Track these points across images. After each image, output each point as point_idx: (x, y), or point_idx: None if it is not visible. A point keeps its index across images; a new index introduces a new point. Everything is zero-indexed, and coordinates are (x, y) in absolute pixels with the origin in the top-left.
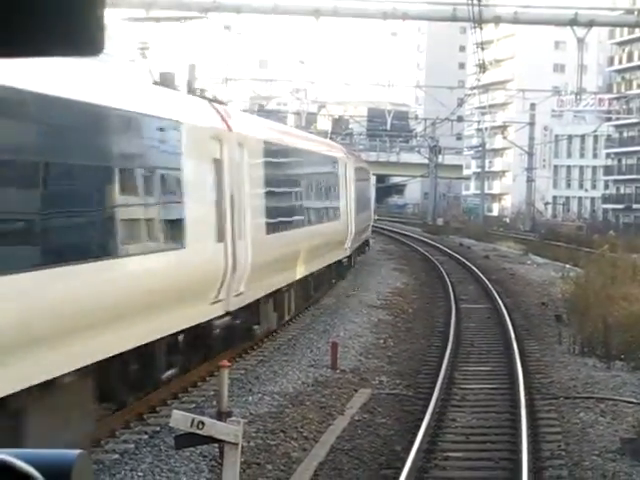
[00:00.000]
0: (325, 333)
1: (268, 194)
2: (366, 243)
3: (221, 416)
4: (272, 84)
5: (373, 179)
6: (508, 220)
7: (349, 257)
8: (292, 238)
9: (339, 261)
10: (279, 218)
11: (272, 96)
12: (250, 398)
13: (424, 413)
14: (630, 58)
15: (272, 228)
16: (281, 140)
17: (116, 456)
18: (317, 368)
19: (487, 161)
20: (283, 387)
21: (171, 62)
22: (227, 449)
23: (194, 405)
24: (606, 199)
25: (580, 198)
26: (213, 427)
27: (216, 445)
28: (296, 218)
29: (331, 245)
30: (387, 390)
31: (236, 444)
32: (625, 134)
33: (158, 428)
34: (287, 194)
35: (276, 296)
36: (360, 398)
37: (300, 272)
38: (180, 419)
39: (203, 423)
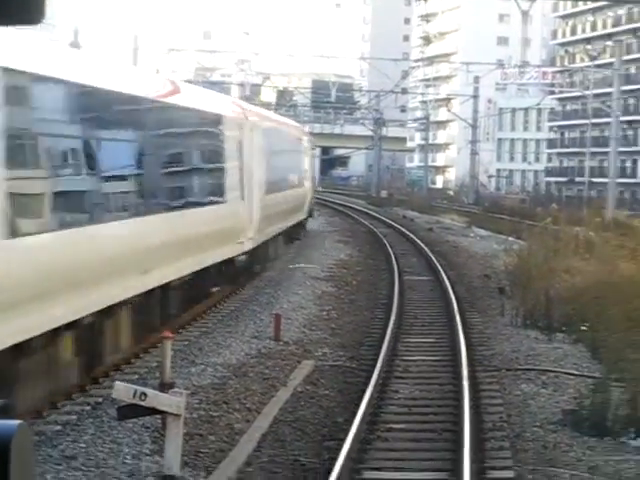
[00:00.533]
0: (268, 305)
1: (266, 165)
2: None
3: (164, 387)
4: (216, 55)
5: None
6: (452, 193)
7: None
8: (280, 199)
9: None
10: (273, 183)
11: (216, 67)
12: (193, 369)
13: (367, 385)
14: (573, 31)
15: (269, 190)
16: (271, 125)
17: (58, 427)
18: (260, 340)
19: (431, 133)
20: (226, 359)
21: (115, 34)
22: (170, 420)
23: (137, 377)
24: (549, 172)
25: (523, 171)
26: (156, 398)
27: (159, 416)
28: (283, 184)
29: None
30: (330, 362)
31: (179, 415)
32: (568, 107)
33: (100, 399)
34: (278, 166)
35: (272, 241)
36: (303, 370)
37: (286, 224)
38: (122, 390)
39: (145, 394)
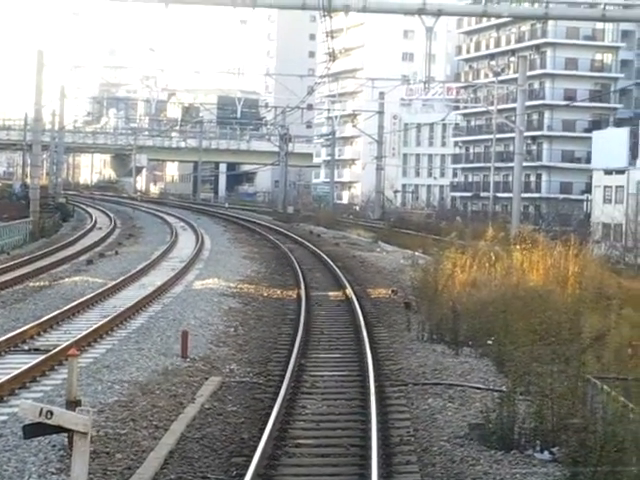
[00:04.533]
0: (175, 321)
1: None
2: None
3: (70, 405)
4: (121, 71)
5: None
6: (358, 208)
7: None
8: None
9: None
10: None
11: (121, 83)
12: (100, 387)
13: (274, 401)
14: (477, 47)
15: None
16: None
17: None
18: (167, 357)
19: (337, 149)
20: (133, 376)
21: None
22: (76, 438)
23: (42, 394)
24: (454, 187)
25: (429, 186)
26: (62, 416)
27: (65, 435)
28: None
29: None
30: (237, 378)
31: (85, 433)
32: (473, 122)
33: (6, 418)
34: None
35: None
36: (210, 386)
37: None
38: (28, 409)
39: (52, 412)
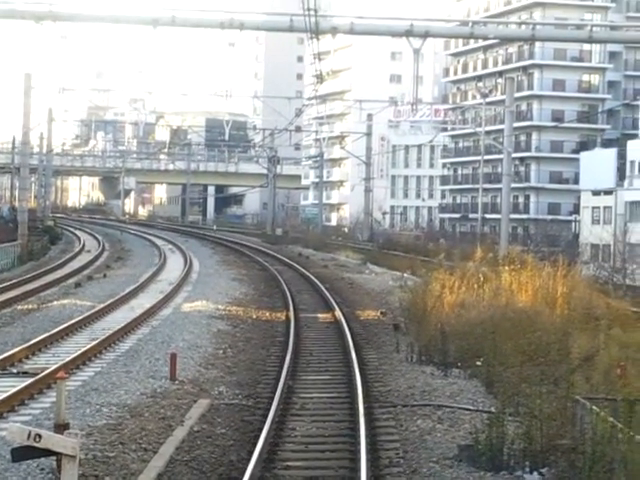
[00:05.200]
0: (164, 344)
1: None
2: None
3: (58, 428)
4: (109, 94)
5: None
6: (346, 230)
7: None
8: None
9: None
10: None
11: (109, 106)
12: (88, 410)
13: (264, 423)
14: (465, 69)
15: None
16: None
17: None
18: (156, 379)
19: (325, 171)
20: (121, 398)
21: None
22: (65, 462)
23: (31, 417)
24: (443, 208)
25: (417, 207)
26: (50, 440)
27: (54, 458)
28: None
29: None
30: (226, 400)
31: (74, 457)
32: (461, 144)
33: None
34: None
35: None
36: (199, 409)
37: None
38: (16, 432)
39: (40, 436)
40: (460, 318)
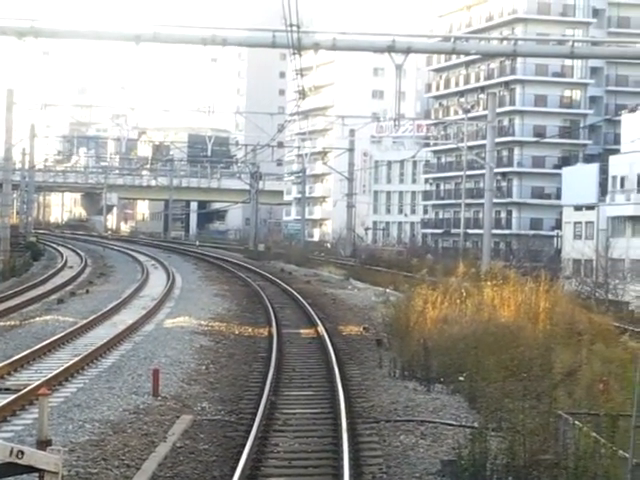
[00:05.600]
0: (146, 360)
1: None
2: None
3: (41, 445)
4: (92, 110)
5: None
6: (329, 245)
7: None
8: None
9: None
10: None
11: (92, 122)
12: (71, 426)
13: (246, 439)
14: (447, 84)
15: None
16: None
17: None
18: (138, 395)
19: (308, 187)
20: (104, 415)
21: None
22: (47, 478)
23: (13, 434)
24: (425, 224)
25: (400, 223)
26: (33, 456)
27: (37, 474)
28: None
29: None
30: (209, 416)
31: (56, 473)
32: (443, 159)
33: None
34: None
35: None
36: (182, 425)
37: None
38: None
39: (22, 452)
40: (443, 333)
